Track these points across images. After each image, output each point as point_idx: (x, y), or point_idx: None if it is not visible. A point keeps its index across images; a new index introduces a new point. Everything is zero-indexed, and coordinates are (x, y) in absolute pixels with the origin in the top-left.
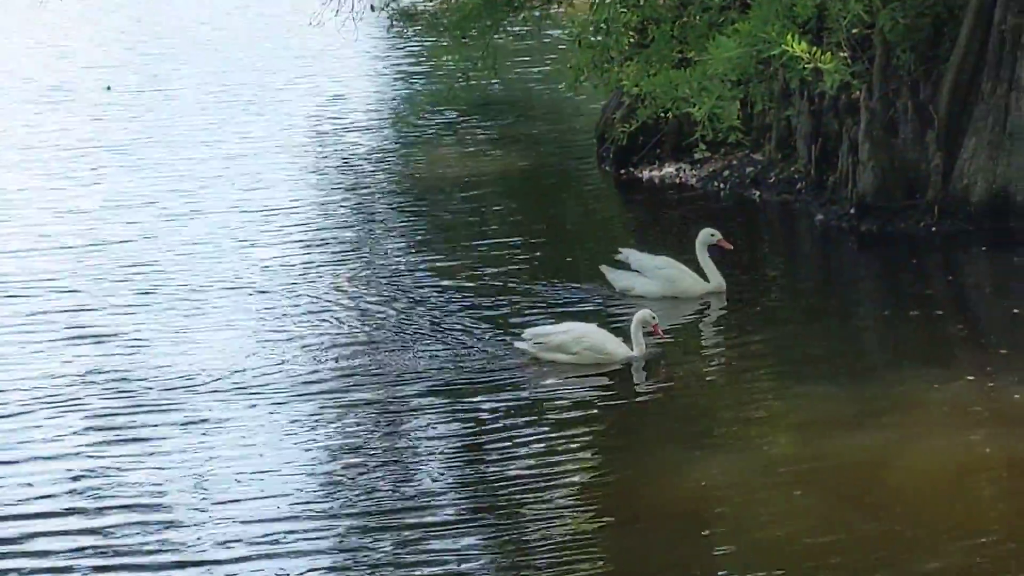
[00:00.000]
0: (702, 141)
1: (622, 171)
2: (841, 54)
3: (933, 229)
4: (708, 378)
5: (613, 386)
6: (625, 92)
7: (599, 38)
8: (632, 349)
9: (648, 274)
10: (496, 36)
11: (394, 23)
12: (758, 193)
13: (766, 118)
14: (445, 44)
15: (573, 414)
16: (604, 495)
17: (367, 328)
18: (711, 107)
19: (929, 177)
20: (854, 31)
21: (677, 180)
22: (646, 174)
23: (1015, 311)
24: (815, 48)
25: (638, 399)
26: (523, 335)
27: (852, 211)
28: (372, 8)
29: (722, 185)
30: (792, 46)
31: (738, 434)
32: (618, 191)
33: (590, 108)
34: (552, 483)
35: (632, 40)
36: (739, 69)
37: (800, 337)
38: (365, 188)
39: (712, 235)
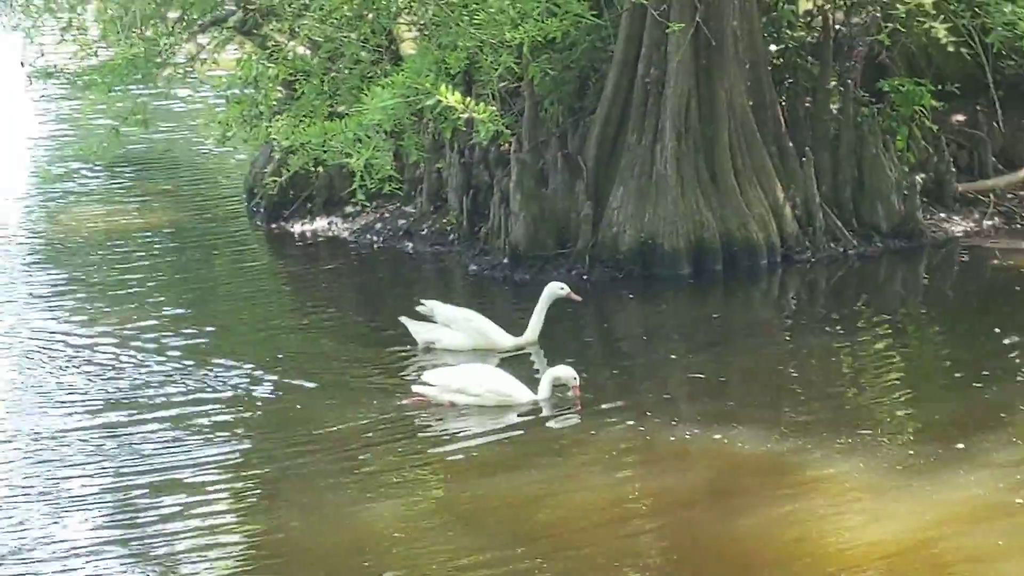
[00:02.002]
0: (359, 191)
1: (273, 226)
2: (491, 106)
3: (584, 277)
4: (377, 425)
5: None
6: (275, 147)
7: (247, 92)
8: (536, 393)
9: (456, 326)
10: (146, 91)
11: (32, 81)
12: (411, 245)
13: (417, 170)
14: (91, 99)
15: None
16: (261, 538)
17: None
18: (367, 157)
19: (579, 226)
20: (502, 84)
21: (329, 233)
22: (298, 228)
23: (664, 356)
24: (468, 99)
25: (290, 449)
26: (422, 377)
27: (505, 261)
28: (22, 65)
29: (375, 238)
30: (446, 96)
31: (405, 477)
32: (270, 246)
33: (239, 164)
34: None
35: (280, 94)
36: (394, 119)
37: None
38: (4, 250)
39: (561, 288)
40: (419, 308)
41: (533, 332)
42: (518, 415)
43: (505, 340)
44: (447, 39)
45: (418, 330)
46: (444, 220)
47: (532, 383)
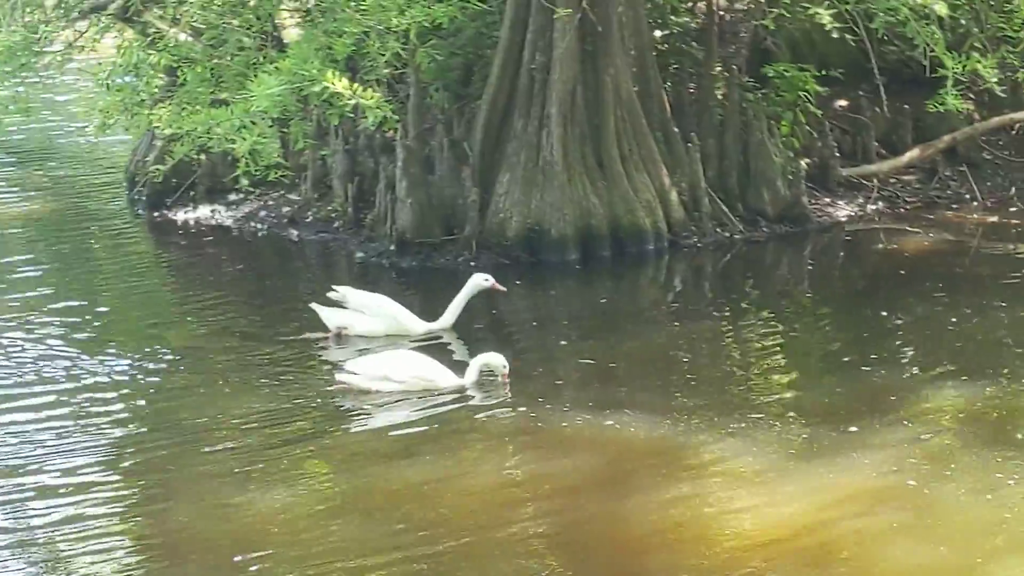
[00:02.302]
0: (244, 178)
1: (155, 214)
2: (377, 93)
3: (472, 263)
4: (265, 414)
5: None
6: (158, 134)
7: (128, 80)
8: (463, 377)
9: (369, 312)
10: (24, 80)
11: None
12: (296, 232)
13: (301, 157)
14: None
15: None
16: (148, 531)
17: None
18: (252, 144)
19: (466, 213)
20: (386, 71)
21: (213, 222)
22: (180, 216)
23: (554, 342)
24: (356, 85)
25: (178, 439)
26: (345, 366)
27: (392, 248)
28: None
29: (259, 225)
30: (333, 83)
31: (294, 467)
32: (152, 234)
33: (120, 152)
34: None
35: (162, 81)
36: (281, 106)
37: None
38: None
39: (486, 279)
40: (330, 295)
41: (449, 318)
42: (411, 405)
43: (418, 325)
44: (334, 25)
45: (329, 316)
46: (329, 207)
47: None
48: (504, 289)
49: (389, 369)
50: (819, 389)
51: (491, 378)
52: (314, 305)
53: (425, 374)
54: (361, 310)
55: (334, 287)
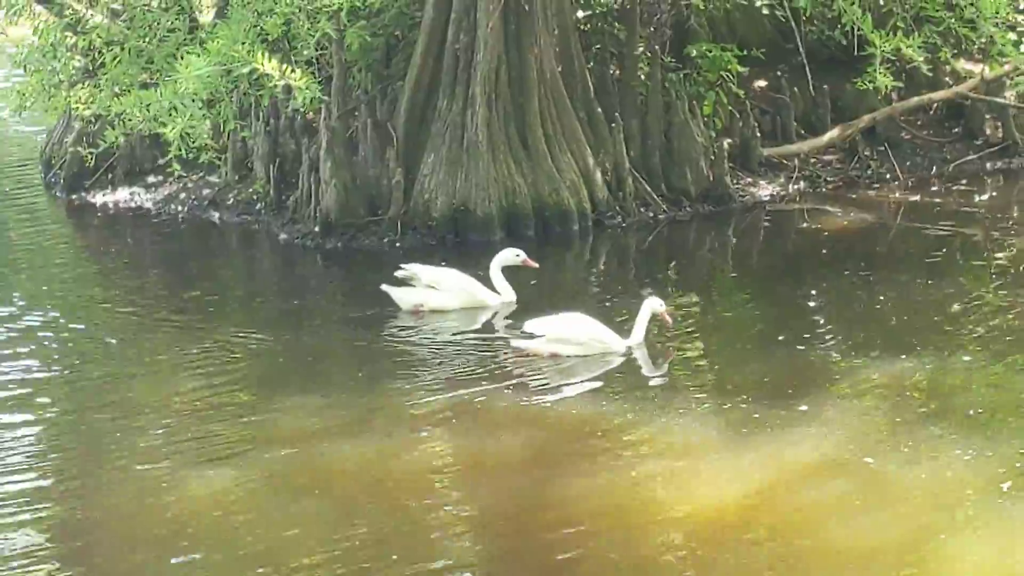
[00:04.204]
0: (175, 162)
1: (73, 197)
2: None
3: (397, 244)
4: (191, 397)
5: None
6: (76, 116)
7: (45, 61)
8: (628, 338)
9: (442, 287)
10: None
11: None
12: (217, 215)
13: (221, 139)
14: None
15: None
16: (66, 521)
17: None
18: (184, 126)
19: (391, 193)
20: (305, 52)
21: (132, 204)
22: (99, 199)
23: (484, 323)
24: (286, 66)
25: (100, 424)
26: (524, 329)
27: (316, 229)
28: None
29: (180, 208)
30: (263, 64)
31: (223, 450)
32: (70, 218)
33: (34, 135)
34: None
35: (80, 63)
36: (210, 87)
37: (278, 354)
38: None
39: (517, 255)
40: (398, 274)
41: (508, 290)
42: (341, 383)
43: (493, 298)
44: (264, 5)
45: (403, 296)
46: (251, 189)
47: None
48: (536, 265)
49: (569, 332)
50: (753, 367)
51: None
52: (385, 286)
53: (601, 336)
54: (434, 285)
55: (402, 265)
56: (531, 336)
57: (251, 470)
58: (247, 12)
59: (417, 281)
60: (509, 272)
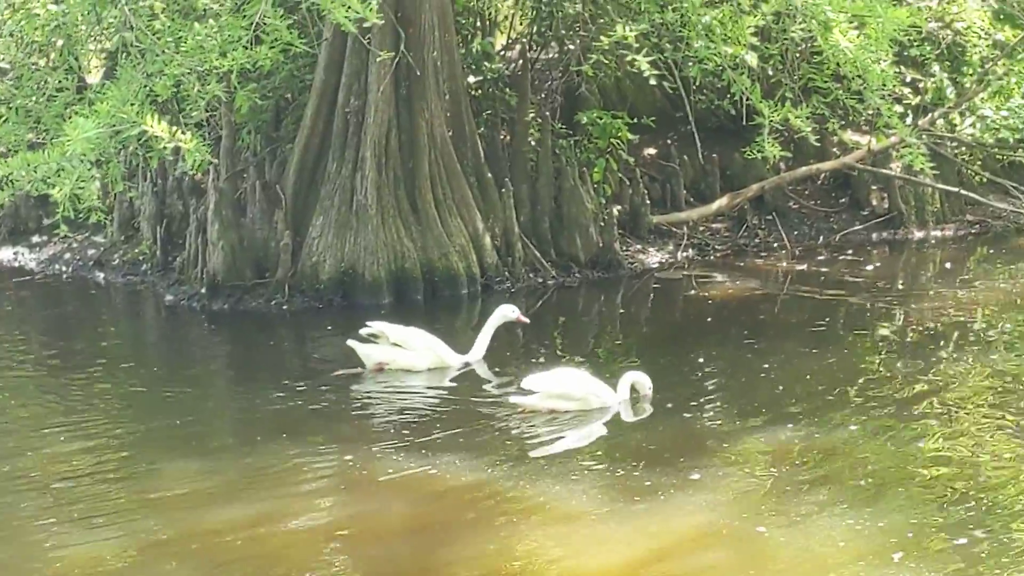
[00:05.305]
0: (62, 223)
1: None
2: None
3: (284, 307)
4: (74, 459)
5: None
6: None
7: None
8: (615, 394)
9: (408, 346)
10: None
11: None
12: (102, 275)
13: (107, 199)
14: None
15: None
16: None
17: None
18: (72, 188)
19: (279, 256)
20: (195, 114)
21: (15, 264)
22: None
23: (369, 387)
24: (175, 128)
25: (14, 482)
26: (522, 385)
27: (203, 291)
28: None
29: (64, 268)
30: (152, 125)
31: (108, 512)
32: None
33: None
34: None
35: None
36: (99, 149)
37: (162, 416)
38: None
39: (513, 311)
40: (363, 331)
41: (480, 350)
42: (227, 444)
43: (455, 358)
44: (154, 66)
45: (369, 352)
46: (137, 250)
47: None
48: (527, 320)
49: (567, 388)
50: (642, 434)
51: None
52: (351, 342)
53: (597, 391)
54: (401, 344)
55: (368, 323)
56: (528, 392)
57: (129, 534)
58: (136, 73)
59: (383, 339)
60: None
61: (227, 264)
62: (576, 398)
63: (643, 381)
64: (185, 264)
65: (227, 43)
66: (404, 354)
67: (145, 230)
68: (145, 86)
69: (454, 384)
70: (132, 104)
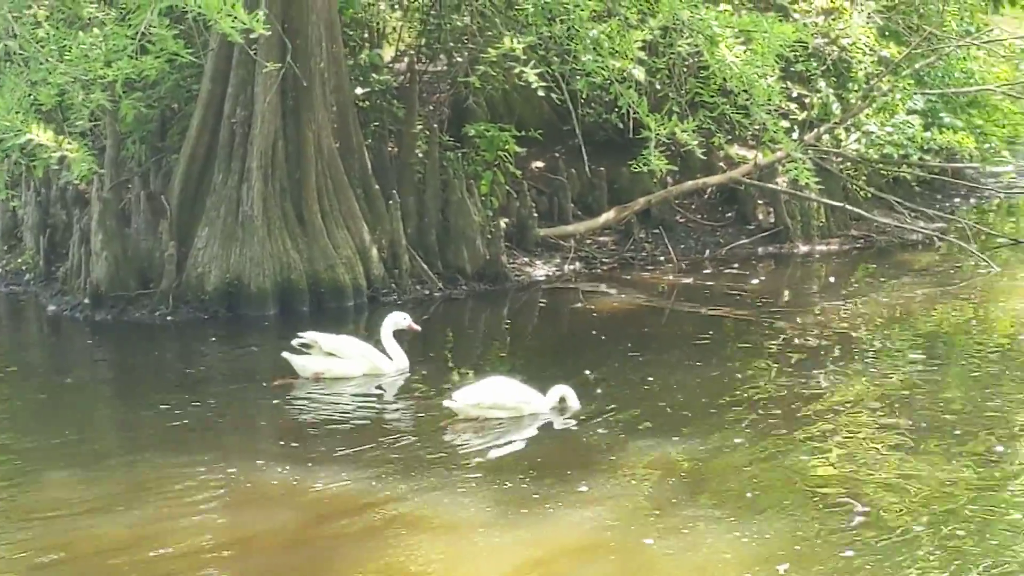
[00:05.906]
0: None
1: None
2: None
3: (169, 317)
4: None
5: None
6: None
7: None
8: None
9: (343, 355)
10: None
11: None
12: None
13: None
14: None
15: None
16: None
17: None
18: None
19: (163, 266)
20: (79, 123)
21: None
22: None
23: (252, 398)
24: (61, 137)
25: None
26: (453, 396)
27: (86, 301)
28: None
29: None
30: (38, 134)
31: None
32: None
33: None
34: None
35: None
36: None
37: (43, 427)
38: None
39: (404, 318)
40: (295, 342)
41: (401, 357)
42: (115, 456)
43: (389, 365)
44: (38, 75)
45: (304, 364)
46: (20, 260)
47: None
48: (419, 328)
49: (499, 396)
50: (530, 447)
51: None
52: (286, 354)
53: (528, 398)
54: (335, 353)
55: (300, 334)
56: (458, 401)
57: (4, 545)
58: (20, 81)
59: (316, 349)
60: None
61: (111, 274)
62: (509, 407)
63: (572, 395)
64: (68, 274)
65: (112, 52)
66: (338, 363)
67: (28, 240)
68: (29, 94)
69: (358, 394)
70: (16, 112)
